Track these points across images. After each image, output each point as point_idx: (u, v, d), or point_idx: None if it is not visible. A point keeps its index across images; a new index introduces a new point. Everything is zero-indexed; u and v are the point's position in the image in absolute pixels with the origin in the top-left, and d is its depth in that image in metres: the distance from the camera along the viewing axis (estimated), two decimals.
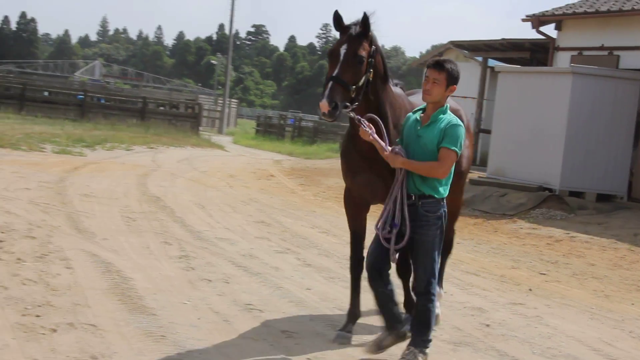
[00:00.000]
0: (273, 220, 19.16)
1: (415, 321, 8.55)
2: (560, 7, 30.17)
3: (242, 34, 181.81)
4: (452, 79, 8.44)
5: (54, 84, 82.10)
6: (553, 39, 30.31)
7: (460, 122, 8.47)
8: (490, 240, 19.04)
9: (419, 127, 8.44)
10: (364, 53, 8.60)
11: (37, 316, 9.22)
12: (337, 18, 8.73)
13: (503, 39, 34.08)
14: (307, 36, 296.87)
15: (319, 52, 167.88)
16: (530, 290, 13.76)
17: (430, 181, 8.36)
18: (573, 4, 30.30)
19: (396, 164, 8.35)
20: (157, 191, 21.99)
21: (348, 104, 8.41)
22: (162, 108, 63.06)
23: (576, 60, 28.24)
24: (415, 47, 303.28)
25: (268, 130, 71.03)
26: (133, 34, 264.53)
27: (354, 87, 8.48)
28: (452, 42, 39.22)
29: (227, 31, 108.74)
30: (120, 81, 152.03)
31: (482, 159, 32.81)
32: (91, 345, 8.30)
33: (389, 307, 8.75)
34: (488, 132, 30.14)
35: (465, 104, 36.10)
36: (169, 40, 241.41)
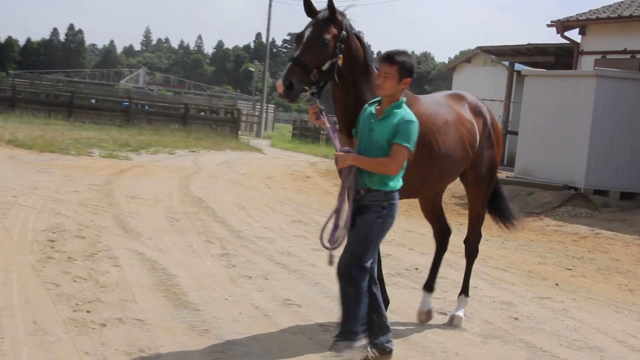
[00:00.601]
0: (309, 220, 19.18)
1: (340, 307, 8.05)
2: (584, 13, 30.08)
3: (279, 42, 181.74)
4: (405, 72, 7.86)
5: (101, 91, 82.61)
6: (577, 44, 30.23)
7: (414, 119, 7.91)
8: (517, 237, 18.92)
9: (372, 120, 7.98)
10: (328, 36, 8.17)
11: (88, 312, 9.30)
12: (307, 3, 8.34)
13: (529, 44, 34.00)
14: None
15: None
16: (556, 284, 13.71)
17: (375, 176, 7.90)
18: (596, 9, 30.22)
19: (347, 162, 7.89)
20: (198, 193, 22.07)
21: (306, 87, 8.09)
22: (202, 113, 63.45)
23: (600, 63, 28.15)
24: (444, 52, 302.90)
25: (304, 134, 70.76)
26: (175, 43, 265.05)
27: (315, 70, 8.09)
28: (479, 48, 39.10)
29: (264, 39, 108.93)
30: (163, 88, 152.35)
31: (509, 160, 32.68)
32: (139, 339, 8.36)
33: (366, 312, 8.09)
34: (515, 133, 30.07)
35: (493, 107, 36.18)
36: (208, 48, 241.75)
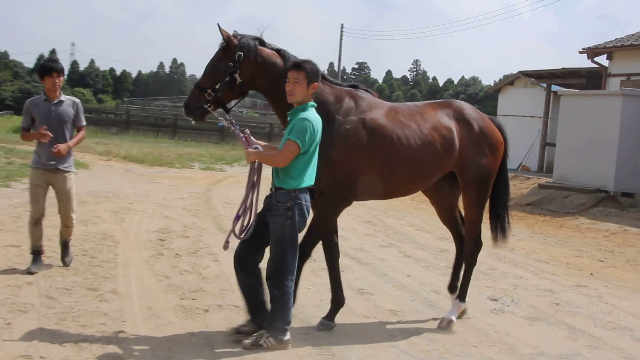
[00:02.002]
0: (378, 220, 19.12)
1: (270, 307, 7.74)
2: (611, 41, 29.81)
3: (348, 70, 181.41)
4: (312, 77, 7.66)
5: None
6: (605, 67, 29.90)
7: (308, 117, 7.58)
8: (557, 234, 18.72)
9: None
10: (218, 62, 8.13)
11: (193, 299, 9.40)
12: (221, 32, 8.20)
13: (563, 68, 33.62)
14: (401, 70, 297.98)
15: (411, 83, 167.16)
16: (591, 274, 13.50)
17: (282, 174, 7.65)
18: (621, 37, 29.97)
19: (250, 158, 7.76)
20: None
21: (205, 105, 8.12)
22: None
23: (625, 84, 27.84)
24: (490, 76, 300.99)
25: None
26: None
27: (209, 90, 8.09)
28: (521, 72, 38.66)
29: (336, 68, 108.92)
30: (251, 111, 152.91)
31: (548, 167, 32.29)
32: (236, 322, 8.36)
33: (251, 297, 7.96)
34: (553, 145, 29.75)
35: (533, 123, 36.01)
36: None
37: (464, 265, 9.72)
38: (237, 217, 7.89)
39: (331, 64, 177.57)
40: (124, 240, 13.06)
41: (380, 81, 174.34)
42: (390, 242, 15.72)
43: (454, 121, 9.17)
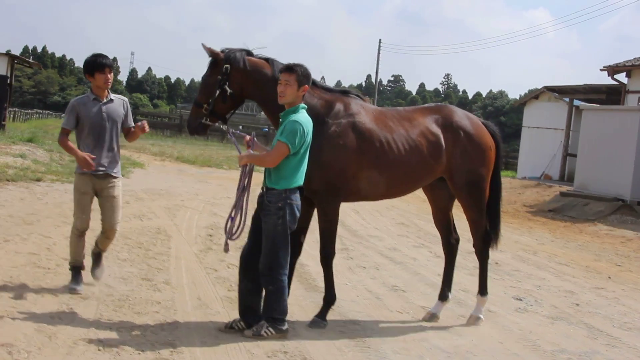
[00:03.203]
0: (410, 222, 19.05)
1: (264, 300, 7.63)
2: (629, 60, 29.66)
3: (385, 82, 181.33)
4: (303, 79, 7.53)
5: (246, 120, 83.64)
6: (624, 84, 29.68)
7: (298, 119, 7.43)
8: (577, 239, 18.53)
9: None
10: (208, 77, 8.06)
11: None
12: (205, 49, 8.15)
13: (585, 84, 33.33)
14: (433, 83, 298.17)
15: (442, 95, 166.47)
16: (609, 277, 13.32)
17: (273, 175, 7.51)
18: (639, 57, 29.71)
19: (242, 161, 7.65)
20: None
21: (203, 119, 8.04)
22: None
23: None
24: (516, 90, 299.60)
25: None
26: None
27: (204, 104, 8.01)
28: (545, 87, 38.35)
29: (373, 80, 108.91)
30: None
31: (569, 176, 32.02)
32: None
33: (247, 301, 7.73)
34: (574, 155, 29.54)
35: (556, 135, 35.74)
36: (330, 86, 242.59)
37: (478, 262, 9.47)
38: (231, 219, 7.80)
39: (369, 76, 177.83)
40: (176, 235, 13.08)
41: (414, 93, 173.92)
42: (421, 242, 15.65)
43: (441, 128, 8.87)
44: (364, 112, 8.48)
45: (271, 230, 7.50)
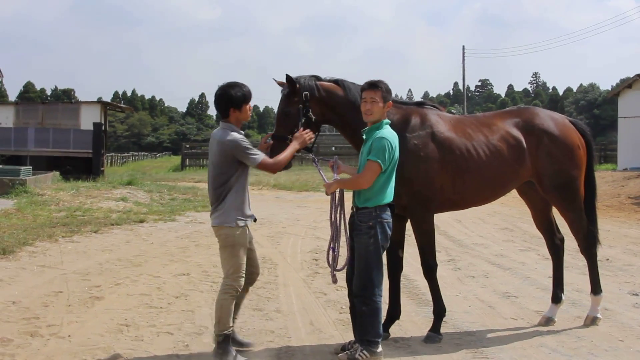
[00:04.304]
0: (514, 227, 18.85)
1: (357, 322, 7.43)
2: None
3: (472, 88, 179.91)
4: (387, 95, 7.41)
5: (339, 140, 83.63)
6: None
7: (385, 135, 7.28)
8: None
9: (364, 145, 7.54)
10: (289, 108, 7.90)
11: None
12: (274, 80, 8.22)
13: None
14: (522, 83, 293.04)
15: (532, 95, 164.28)
16: None
17: (362, 194, 7.34)
18: None
19: (332, 188, 7.47)
20: None
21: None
22: None
23: None
24: (607, 81, 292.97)
25: None
26: None
27: (289, 136, 7.76)
28: (638, 75, 37.65)
29: (460, 87, 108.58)
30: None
31: None
32: (392, 331, 8.41)
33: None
34: None
35: None
36: (417, 98, 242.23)
37: (586, 262, 9.26)
38: (332, 250, 7.72)
39: (455, 84, 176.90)
40: (281, 262, 13.21)
41: (503, 95, 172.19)
42: (528, 246, 15.45)
43: (522, 131, 8.74)
44: (442, 122, 8.46)
45: (363, 250, 7.37)
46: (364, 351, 7.27)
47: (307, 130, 7.82)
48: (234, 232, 7.39)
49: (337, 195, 7.62)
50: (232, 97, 7.39)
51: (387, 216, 7.41)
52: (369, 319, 7.33)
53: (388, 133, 7.39)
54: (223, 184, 7.36)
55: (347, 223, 7.62)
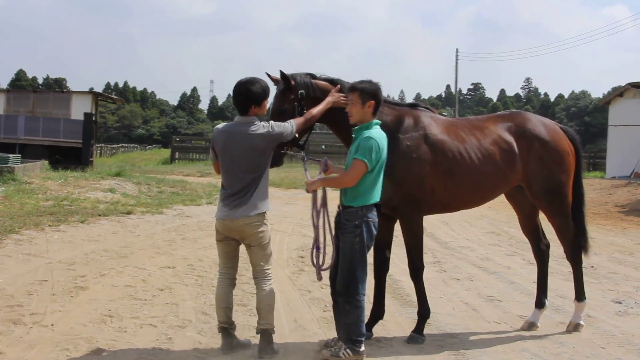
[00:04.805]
0: (501, 231, 18.89)
1: (340, 321, 7.45)
2: None
3: (464, 91, 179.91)
4: (366, 96, 7.33)
5: (328, 139, 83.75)
6: None
7: (372, 135, 7.27)
8: None
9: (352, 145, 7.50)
10: (285, 105, 7.84)
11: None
12: (267, 75, 8.02)
13: None
14: (514, 88, 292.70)
15: (524, 100, 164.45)
16: None
17: (349, 193, 7.32)
18: None
19: (314, 185, 7.42)
20: None
21: (282, 150, 7.73)
22: None
23: None
24: (599, 89, 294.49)
25: None
26: None
27: None
28: (629, 84, 37.74)
29: (452, 90, 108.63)
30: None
31: None
32: (375, 331, 8.46)
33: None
34: None
35: None
36: (409, 99, 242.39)
37: (571, 268, 9.30)
38: (317, 248, 7.67)
39: (448, 86, 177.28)
40: None
41: (495, 99, 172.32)
42: (514, 250, 15.48)
43: (514, 135, 8.77)
44: (435, 124, 8.47)
45: (348, 249, 7.36)
46: (347, 350, 7.28)
47: (342, 94, 7.90)
48: (266, 218, 7.56)
49: (318, 195, 7.58)
50: (253, 94, 7.44)
51: (373, 216, 7.41)
52: (352, 318, 7.32)
53: (376, 133, 7.38)
54: (260, 174, 7.46)
55: (330, 223, 7.61)
